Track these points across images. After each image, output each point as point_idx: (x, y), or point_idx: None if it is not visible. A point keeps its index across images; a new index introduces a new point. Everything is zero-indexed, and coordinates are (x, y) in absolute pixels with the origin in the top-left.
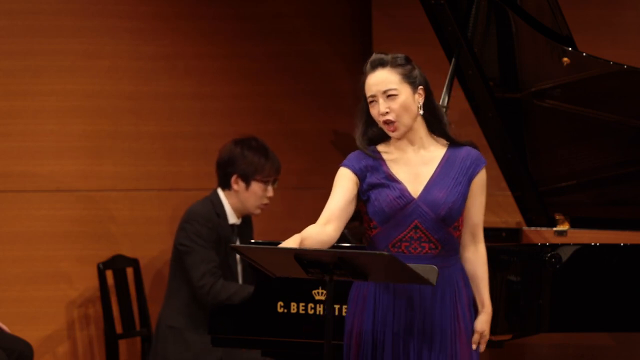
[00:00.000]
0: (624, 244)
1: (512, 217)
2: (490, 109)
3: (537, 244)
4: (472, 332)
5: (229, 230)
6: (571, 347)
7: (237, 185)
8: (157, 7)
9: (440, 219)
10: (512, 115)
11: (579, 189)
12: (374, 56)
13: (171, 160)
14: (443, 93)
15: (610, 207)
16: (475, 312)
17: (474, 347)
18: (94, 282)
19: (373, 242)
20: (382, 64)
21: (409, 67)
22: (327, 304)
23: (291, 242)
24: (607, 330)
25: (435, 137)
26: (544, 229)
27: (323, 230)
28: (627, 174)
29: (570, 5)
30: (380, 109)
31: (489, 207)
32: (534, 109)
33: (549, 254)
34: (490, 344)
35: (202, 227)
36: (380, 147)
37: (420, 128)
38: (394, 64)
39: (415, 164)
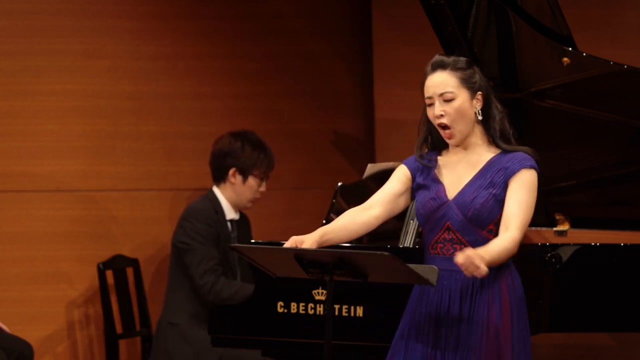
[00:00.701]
0: (624, 244)
1: None
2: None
3: (537, 244)
4: (511, 344)
5: (227, 226)
6: (571, 347)
7: (234, 178)
8: (157, 7)
9: (469, 220)
10: (512, 116)
11: (579, 189)
12: (435, 58)
13: (171, 160)
14: None
15: (610, 207)
16: (520, 321)
17: (462, 263)
18: (94, 282)
19: (424, 245)
20: (442, 66)
21: (469, 71)
22: (327, 304)
23: (321, 228)
24: (607, 330)
25: (492, 142)
26: (544, 228)
27: (363, 212)
28: (627, 174)
29: (570, 5)
30: (435, 112)
31: None
32: (534, 109)
33: (549, 254)
34: None
35: (201, 224)
36: (440, 153)
37: (476, 133)
38: (454, 67)
39: (462, 167)
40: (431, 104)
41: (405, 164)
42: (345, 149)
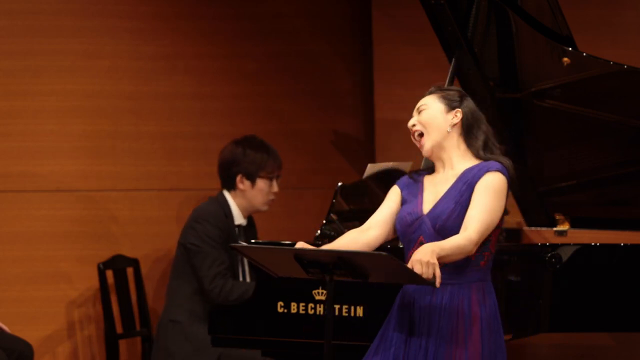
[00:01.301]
0: (624, 244)
1: (512, 217)
2: (490, 109)
3: (538, 244)
4: (479, 355)
5: (235, 231)
6: (571, 347)
7: (243, 184)
8: (157, 7)
9: (437, 232)
10: (512, 116)
11: (579, 189)
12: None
13: (171, 160)
14: None
15: (610, 207)
16: (491, 337)
17: (421, 272)
18: (94, 282)
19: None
20: (431, 92)
21: (451, 93)
22: (327, 304)
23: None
24: (607, 330)
25: (466, 156)
26: (544, 229)
27: (362, 233)
28: (627, 174)
29: (570, 5)
30: (410, 123)
31: None
32: (534, 109)
33: (549, 254)
34: None
35: (212, 227)
36: (431, 173)
37: (452, 149)
38: (439, 91)
39: (440, 182)
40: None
41: (397, 184)
42: (345, 149)
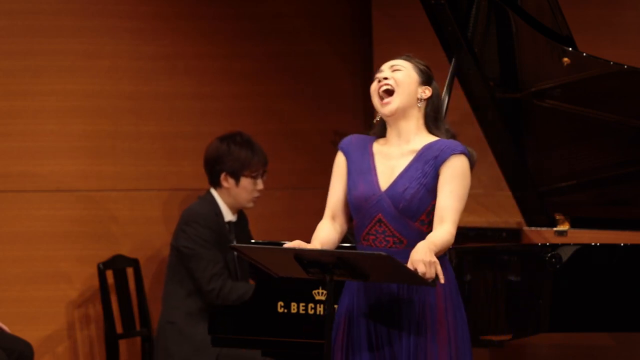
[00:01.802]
0: (624, 244)
1: (512, 217)
2: (490, 109)
3: (538, 244)
4: (447, 337)
5: (225, 228)
6: (571, 347)
7: (227, 182)
8: (157, 7)
9: (400, 212)
10: (512, 116)
11: (579, 189)
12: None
13: (171, 160)
14: (443, 93)
15: (610, 207)
16: (457, 316)
17: (424, 272)
18: (94, 282)
19: (354, 233)
20: (407, 58)
21: (427, 71)
22: (327, 304)
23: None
24: (607, 330)
25: (427, 135)
26: (544, 229)
27: (333, 229)
28: (627, 174)
29: (570, 5)
30: (383, 74)
31: (490, 207)
32: (534, 109)
33: (549, 254)
34: (490, 343)
35: (203, 228)
36: (378, 140)
37: (413, 122)
38: (415, 61)
39: (395, 157)
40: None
41: (341, 149)
42: None
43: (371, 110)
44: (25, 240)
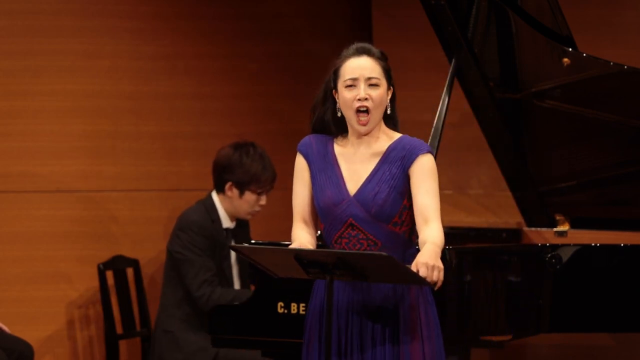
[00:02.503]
0: (624, 244)
1: (512, 218)
2: (490, 109)
3: (538, 245)
4: (419, 335)
5: (223, 234)
6: (571, 347)
7: (231, 192)
8: (157, 7)
9: (372, 216)
10: (512, 116)
11: (579, 189)
12: (360, 44)
13: (171, 160)
14: (443, 93)
15: (610, 207)
16: (429, 313)
17: (425, 276)
18: (94, 283)
19: (324, 237)
20: (368, 53)
21: (386, 62)
22: (328, 304)
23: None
24: (607, 330)
25: (388, 131)
26: (544, 229)
27: (309, 231)
28: (627, 174)
29: (570, 5)
30: (360, 93)
31: (490, 207)
32: (534, 109)
33: (549, 255)
34: (490, 344)
35: (196, 235)
36: (336, 140)
37: (377, 125)
38: (378, 57)
39: (359, 160)
40: (352, 86)
41: (301, 152)
42: None
43: None
44: (26, 241)
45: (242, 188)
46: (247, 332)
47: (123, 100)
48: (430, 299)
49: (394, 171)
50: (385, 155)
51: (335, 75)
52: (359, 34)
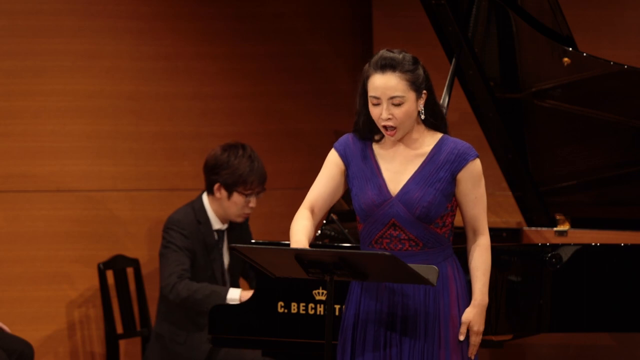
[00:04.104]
0: (624, 244)
1: (512, 217)
2: (490, 109)
3: (538, 244)
4: (458, 343)
5: (212, 235)
6: (571, 347)
7: (220, 193)
8: (157, 8)
9: (417, 218)
10: (512, 116)
11: (580, 189)
12: (384, 56)
13: (172, 160)
14: (443, 93)
15: (610, 207)
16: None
17: (460, 337)
18: (95, 282)
19: (361, 237)
20: (392, 67)
21: (416, 71)
22: (328, 304)
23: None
24: (607, 330)
25: (428, 132)
26: (544, 229)
27: (311, 219)
28: (627, 174)
29: (570, 5)
30: (383, 115)
31: (490, 207)
32: (534, 109)
33: (549, 254)
34: (490, 343)
35: (176, 233)
36: (375, 140)
37: (415, 128)
38: (403, 69)
39: (400, 161)
40: (377, 104)
41: (336, 149)
42: None
43: None
44: (26, 241)
45: (229, 189)
46: (247, 331)
47: (124, 101)
48: (468, 303)
49: (441, 175)
50: (429, 157)
51: (365, 84)
52: (359, 34)
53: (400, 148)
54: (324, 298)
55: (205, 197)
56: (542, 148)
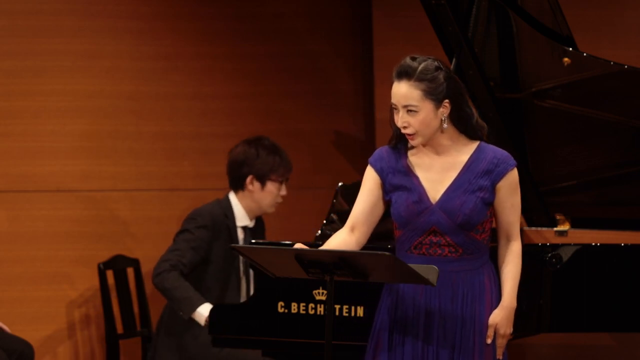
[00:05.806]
0: (624, 244)
1: None
2: (490, 109)
3: (538, 244)
4: (491, 351)
5: (235, 232)
6: (571, 347)
7: (252, 185)
8: (157, 8)
9: (458, 225)
10: (512, 116)
11: (580, 189)
12: (403, 63)
13: (172, 160)
14: None
15: (610, 207)
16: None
17: (487, 341)
18: (95, 282)
19: (398, 242)
20: (407, 74)
21: (435, 80)
22: (328, 304)
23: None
24: (607, 330)
25: (464, 139)
26: (544, 229)
27: (349, 239)
28: (627, 174)
29: (570, 5)
30: (399, 122)
31: None
32: (534, 109)
33: (549, 254)
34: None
35: (195, 225)
36: (410, 149)
37: (445, 136)
38: (418, 77)
39: (439, 169)
40: (396, 110)
41: (372, 164)
42: (345, 149)
43: (371, 110)
44: (26, 241)
45: (263, 179)
46: (247, 331)
47: (123, 100)
48: (497, 280)
49: (481, 183)
50: (468, 164)
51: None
52: (359, 34)
53: (436, 157)
54: (324, 298)
55: (232, 196)
56: (542, 148)
